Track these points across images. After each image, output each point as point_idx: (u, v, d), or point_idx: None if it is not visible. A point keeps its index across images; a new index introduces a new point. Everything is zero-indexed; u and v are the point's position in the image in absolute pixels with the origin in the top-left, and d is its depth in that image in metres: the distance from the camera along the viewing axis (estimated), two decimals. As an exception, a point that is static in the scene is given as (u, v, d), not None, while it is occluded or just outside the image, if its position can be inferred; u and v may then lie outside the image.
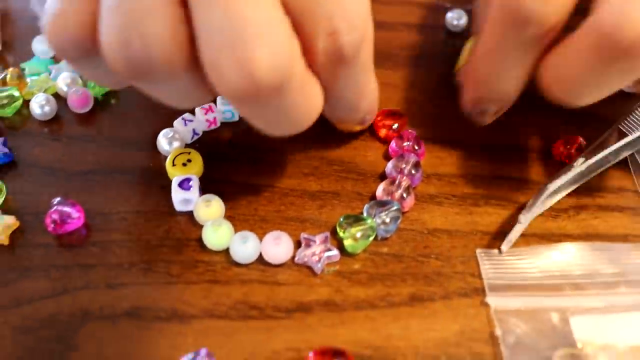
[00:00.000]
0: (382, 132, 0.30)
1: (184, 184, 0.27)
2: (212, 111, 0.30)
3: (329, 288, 0.25)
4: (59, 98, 0.31)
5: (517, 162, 0.29)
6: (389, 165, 0.28)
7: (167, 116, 0.29)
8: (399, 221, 0.26)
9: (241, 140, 0.30)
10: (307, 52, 0.23)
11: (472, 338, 0.24)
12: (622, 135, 0.28)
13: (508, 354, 0.23)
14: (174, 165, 0.28)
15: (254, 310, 0.24)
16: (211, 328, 0.24)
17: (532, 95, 0.26)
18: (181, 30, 0.21)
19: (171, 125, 0.29)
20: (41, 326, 0.24)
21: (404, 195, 0.27)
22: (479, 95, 0.28)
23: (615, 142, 0.28)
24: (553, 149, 0.29)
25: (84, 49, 0.22)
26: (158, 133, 0.29)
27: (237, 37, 0.20)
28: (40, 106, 0.30)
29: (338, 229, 0.26)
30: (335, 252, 0.26)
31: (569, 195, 0.28)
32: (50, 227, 0.26)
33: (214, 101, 0.30)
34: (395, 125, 0.30)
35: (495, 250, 0.26)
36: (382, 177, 0.28)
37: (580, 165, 0.27)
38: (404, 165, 0.28)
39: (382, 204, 0.26)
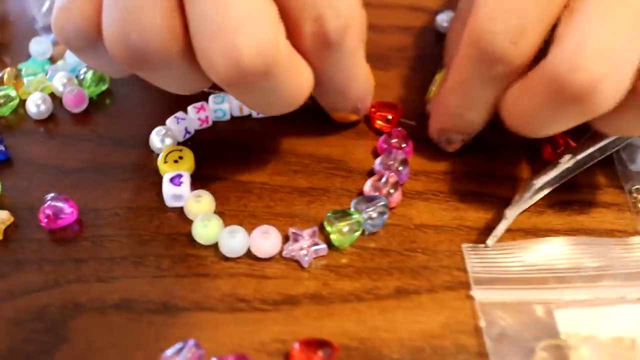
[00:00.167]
0: (378, 123, 0.30)
1: (175, 180, 0.27)
2: (204, 110, 0.30)
3: (316, 281, 0.25)
4: (55, 98, 0.32)
5: (504, 160, 0.30)
6: (377, 162, 0.28)
7: (159, 115, 0.30)
8: (386, 216, 0.27)
9: (232, 138, 0.30)
10: (294, 35, 0.24)
11: (456, 330, 0.24)
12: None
13: (492, 346, 0.24)
14: (165, 162, 0.28)
15: (242, 302, 0.25)
16: (200, 320, 0.24)
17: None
18: (176, 21, 0.22)
19: (164, 124, 0.30)
20: (33, 318, 0.24)
21: (391, 191, 0.27)
22: (446, 126, 0.29)
23: (601, 140, 0.28)
24: (543, 150, 0.30)
25: (88, 39, 0.24)
26: (151, 132, 0.29)
27: (223, 26, 0.21)
28: (36, 105, 0.31)
29: (325, 224, 0.26)
30: (322, 246, 0.26)
31: (555, 191, 0.28)
32: (44, 222, 0.26)
33: (206, 100, 0.31)
34: (390, 117, 0.30)
35: (481, 245, 0.26)
36: (371, 174, 0.29)
37: (566, 162, 0.28)
38: (391, 162, 0.28)
39: (369, 200, 0.27)
